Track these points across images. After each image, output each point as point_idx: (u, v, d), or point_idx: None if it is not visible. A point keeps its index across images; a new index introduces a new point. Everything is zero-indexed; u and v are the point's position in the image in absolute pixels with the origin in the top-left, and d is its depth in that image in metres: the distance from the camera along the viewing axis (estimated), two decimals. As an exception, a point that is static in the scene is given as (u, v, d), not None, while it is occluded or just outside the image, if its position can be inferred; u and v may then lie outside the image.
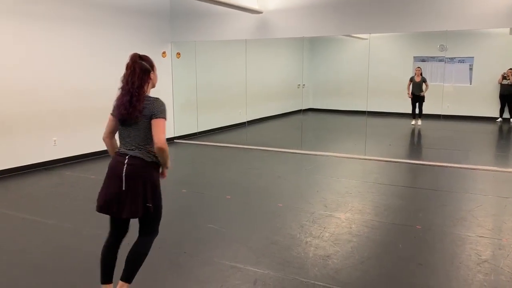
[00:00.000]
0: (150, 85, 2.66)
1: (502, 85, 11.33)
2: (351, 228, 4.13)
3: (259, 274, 3.23)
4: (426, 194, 5.35)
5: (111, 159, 2.70)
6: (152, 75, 2.65)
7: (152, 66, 2.66)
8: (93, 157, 7.34)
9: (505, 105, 11.42)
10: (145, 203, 2.60)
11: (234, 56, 9.77)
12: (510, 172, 6.33)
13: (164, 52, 8.73)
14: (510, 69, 11.15)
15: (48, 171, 6.46)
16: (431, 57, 11.60)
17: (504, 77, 11.27)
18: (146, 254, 2.74)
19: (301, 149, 8.03)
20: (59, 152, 6.85)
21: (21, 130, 6.30)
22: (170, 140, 9.03)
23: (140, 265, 2.72)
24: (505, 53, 11.31)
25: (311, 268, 3.29)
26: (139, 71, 2.57)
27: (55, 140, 6.78)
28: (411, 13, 6.83)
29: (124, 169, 2.56)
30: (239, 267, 3.36)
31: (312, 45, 13.76)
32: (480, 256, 3.48)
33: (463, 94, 11.50)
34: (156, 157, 2.63)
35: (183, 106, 9.17)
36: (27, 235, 4.08)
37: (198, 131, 9.61)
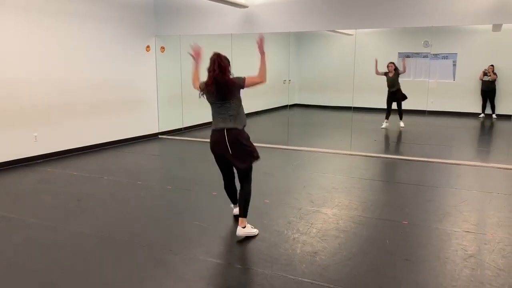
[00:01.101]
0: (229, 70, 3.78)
1: (483, 82, 11.49)
2: (338, 224, 4.12)
3: (246, 271, 3.19)
4: (411, 190, 5.38)
5: (211, 134, 3.70)
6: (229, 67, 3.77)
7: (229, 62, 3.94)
8: (75, 153, 7.18)
9: (486, 101, 11.59)
10: (250, 159, 3.71)
11: (219, 51, 9.62)
12: (492, 167, 6.42)
13: (148, 46, 8.58)
14: (491, 65, 11.31)
15: (29, 168, 6.29)
16: (416, 53, 11.69)
17: (485, 74, 11.43)
18: (250, 194, 3.80)
19: (287, 145, 8.01)
20: (40, 148, 6.68)
21: (0, 125, 6.12)
22: (154, 136, 8.91)
23: (249, 203, 3.76)
24: (487, 49, 11.45)
25: (298, 265, 3.26)
26: (224, 59, 3.89)
27: (35, 136, 6.60)
28: (396, 9, 6.85)
29: (227, 140, 3.55)
30: (226, 265, 3.31)
31: (298, 40, 13.72)
32: (466, 251, 3.50)
33: (447, 90, 11.63)
34: (243, 125, 3.70)
35: (168, 101, 9.04)
36: (6, 233, 3.96)
37: (183, 126, 9.50)
